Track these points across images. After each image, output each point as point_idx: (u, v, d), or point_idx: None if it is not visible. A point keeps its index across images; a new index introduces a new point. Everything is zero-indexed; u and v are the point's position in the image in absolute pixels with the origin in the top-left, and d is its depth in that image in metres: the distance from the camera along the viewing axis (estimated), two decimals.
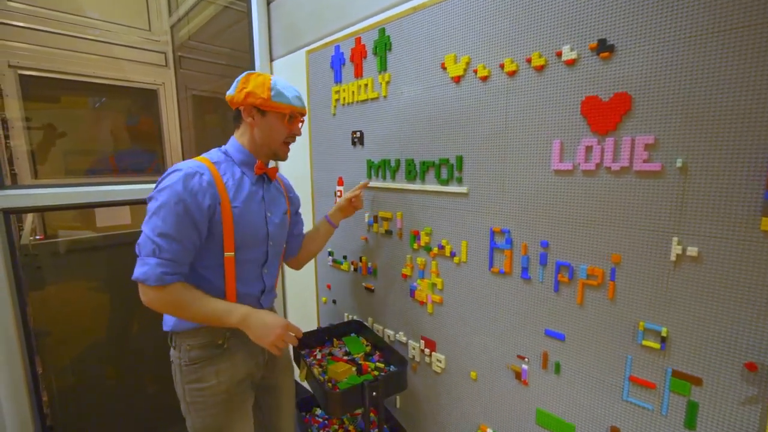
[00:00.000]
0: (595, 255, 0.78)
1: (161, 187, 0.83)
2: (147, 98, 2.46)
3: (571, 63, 0.77)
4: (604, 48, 0.72)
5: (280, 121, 0.96)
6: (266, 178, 1.02)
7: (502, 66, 0.88)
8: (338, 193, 1.42)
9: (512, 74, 0.86)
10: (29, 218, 1.87)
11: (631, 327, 0.75)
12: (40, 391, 1.35)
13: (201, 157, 0.93)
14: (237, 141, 0.98)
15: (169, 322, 0.95)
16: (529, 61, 0.83)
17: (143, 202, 0.87)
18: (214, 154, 0.96)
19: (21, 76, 2.03)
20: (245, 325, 0.87)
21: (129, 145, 2.42)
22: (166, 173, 0.86)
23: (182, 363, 0.93)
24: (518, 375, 0.95)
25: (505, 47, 0.87)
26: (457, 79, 0.97)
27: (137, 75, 2.38)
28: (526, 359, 0.93)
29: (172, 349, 0.96)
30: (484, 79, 0.92)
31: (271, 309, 1.10)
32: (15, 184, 1.82)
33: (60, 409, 1.53)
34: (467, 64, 0.95)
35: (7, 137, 1.98)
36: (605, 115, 0.73)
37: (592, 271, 0.79)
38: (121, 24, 2.29)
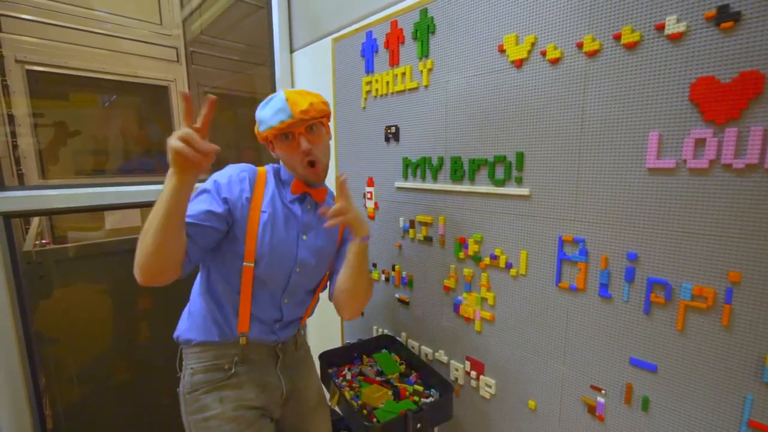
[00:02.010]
0: (704, 272, 0.64)
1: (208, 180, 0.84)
2: (158, 95, 2.36)
3: (677, 37, 0.63)
4: (725, 16, 0.58)
5: (280, 146, 0.85)
6: (309, 200, 0.92)
7: (579, 45, 0.74)
8: (368, 195, 1.29)
9: (593, 54, 0.73)
10: (35, 220, 1.77)
11: (754, 360, 0.61)
12: (42, 407, 1.24)
13: (261, 166, 0.92)
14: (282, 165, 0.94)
15: (179, 326, 0.88)
16: (617, 37, 0.69)
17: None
18: (270, 166, 0.93)
19: (28, 71, 1.94)
20: (172, 172, 0.66)
21: (140, 146, 2.32)
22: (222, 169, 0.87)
23: (185, 391, 0.84)
24: (592, 408, 0.81)
25: (585, 22, 0.73)
26: (519, 63, 0.84)
27: (148, 71, 2.28)
28: (603, 391, 0.79)
29: (179, 373, 0.87)
30: (555, 61, 0.78)
31: (294, 341, 0.97)
32: (20, 185, 1.72)
33: (65, 424, 1.42)
34: (532, 45, 0.81)
35: (14, 135, 1.88)
36: (726, 100, 0.59)
37: (699, 292, 0.65)
38: (132, 18, 2.19)
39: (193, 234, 0.75)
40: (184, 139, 0.62)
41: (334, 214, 0.81)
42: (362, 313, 1.03)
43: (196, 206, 0.78)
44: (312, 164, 0.86)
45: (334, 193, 0.92)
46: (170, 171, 0.66)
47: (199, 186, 0.80)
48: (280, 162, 0.92)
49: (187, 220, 0.73)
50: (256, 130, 0.89)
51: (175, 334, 0.89)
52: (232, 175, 0.84)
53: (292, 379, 0.94)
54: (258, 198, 0.84)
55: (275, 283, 0.87)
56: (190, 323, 0.87)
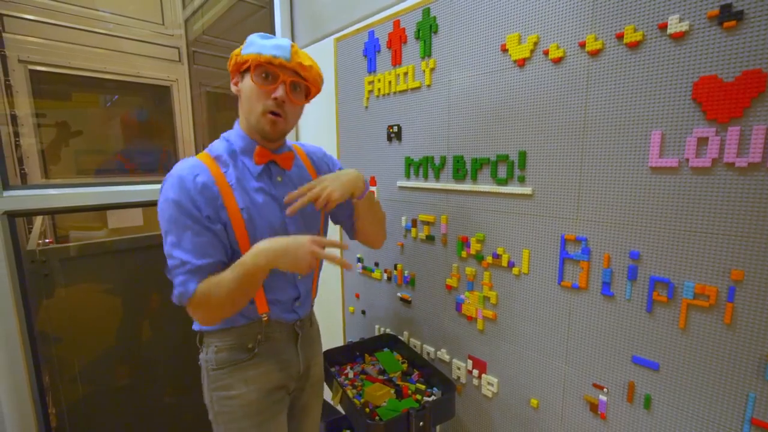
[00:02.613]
0: (707, 270, 0.64)
1: (161, 203, 0.74)
2: (160, 95, 2.36)
3: (679, 36, 0.63)
4: (728, 16, 0.59)
5: (255, 80, 0.74)
6: (276, 170, 0.83)
7: (582, 44, 0.74)
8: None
9: (596, 54, 0.73)
10: (38, 219, 1.78)
11: (756, 358, 0.61)
12: (46, 405, 1.25)
13: (202, 153, 0.79)
14: (237, 123, 0.82)
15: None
16: (620, 37, 0.69)
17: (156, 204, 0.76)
18: (216, 144, 0.81)
19: (31, 71, 1.94)
20: (273, 260, 0.71)
21: (140, 142, 2.32)
22: (164, 180, 0.75)
23: (209, 366, 0.84)
24: (594, 407, 0.81)
25: (587, 22, 0.73)
26: (522, 62, 0.84)
27: (150, 71, 2.29)
28: (605, 389, 0.79)
29: (200, 351, 0.87)
30: (557, 60, 0.78)
31: (309, 318, 0.96)
32: (23, 185, 1.73)
33: (69, 422, 1.42)
34: (535, 44, 0.81)
35: (17, 135, 1.89)
36: (728, 99, 0.59)
37: (701, 290, 0.65)
38: (134, 18, 2.20)
39: (212, 253, 0.74)
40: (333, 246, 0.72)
41: (308, 200, 0.77)
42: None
43: (198, 247, 0.72)
44: (274, 114, 0.76)
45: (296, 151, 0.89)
46: (273, 258, 0.71)
47: (165, 214, 0.72)
48: (237, 119, 0.82)
49: (209, 260, 0.73)
50: (236, 51, 0.76)
51: (196, 327, 0.85)
52: (188, 191, 0.72)
53: (307, 356, 0.94)
54: (229, 198, 0.76)
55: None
56: None
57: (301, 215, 0.84)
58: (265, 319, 0.84)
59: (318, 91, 0.83)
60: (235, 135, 0.81)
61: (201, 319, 0.76)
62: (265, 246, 0.72)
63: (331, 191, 0.78)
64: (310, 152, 0.94)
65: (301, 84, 0.78)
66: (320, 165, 0.94)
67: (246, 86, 0.76)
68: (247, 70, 0.75)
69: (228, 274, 0.72)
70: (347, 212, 0.96)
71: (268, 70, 0.74)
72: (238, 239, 0.77)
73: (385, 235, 1.03)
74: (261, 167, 0.80)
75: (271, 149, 0.81)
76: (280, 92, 0.74)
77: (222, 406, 0.84)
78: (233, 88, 0.80)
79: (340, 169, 0.94)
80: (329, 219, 1.00)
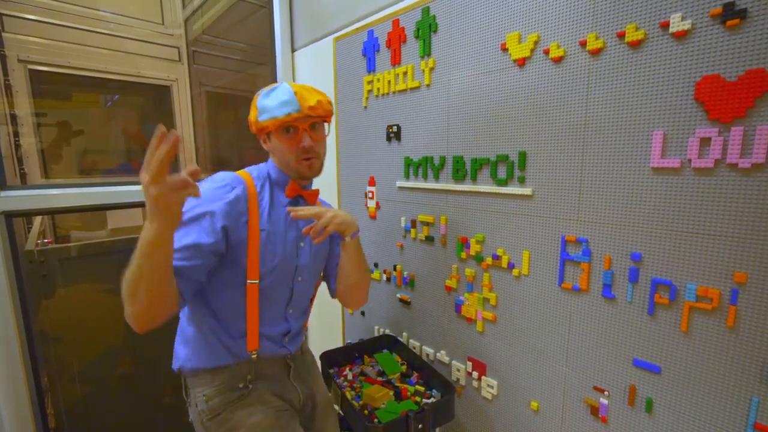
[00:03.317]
0: (709, 272, 0.63)
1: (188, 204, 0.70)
2: (160, 95, 2.36)
3: (681, 35, 0.62)
4: (731, 14, 0.58)
5: (280, 139, 0.81)
6: (303, 203, 0.89)
7: (583, 43, 0.73)
8: (369, 194, 1.28)
9: (596, 53, 0.72)
10: (37, 219, 1.78)
11: (760, 362, 0.60)
12: (44, 405, 1.24)
13: (242, 170, 0.86)
14: (271, 159, 0.89)
15: (178, 356, 0.84)
16: (621, 35, 0.68)
17: None
18: (256, 168, 0.88)
19: (31, 71, 1.94)
20: (148, 216, 0.58)
21: (146, 145, 2.32)
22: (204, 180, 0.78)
23: (204, 418, 0.80)
24: (595, 410, 0.80)
25: (588, 21, 0.73)
26: (522, 62, 0.83)
27: (150, 70, 2.28)
28: (606, 392, 0.78)
29: (188, 406, 0.84)
30: (558, 60, 0.77)
31: (300, 348, 0.95)
32: (22, 185, 1.73)
33: (68, 423, 1.42)
34: (535, 43, 0.80)
35: (16, 135, 1.89)
36: (731, 99, 0.58)
37: (704, 293, 0.64)
38: (134, 17, 2.20)
39: (182, 273, 0.70)
40: (155, 177, 0.53)
41: (317, 231, 0.80)
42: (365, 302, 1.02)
43: (181, 240, 0.71)
44: (308, 159, 0.83)
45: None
46: (148, 218, 0.58)
47: (186, 208, 0.71)
48: (270, 157, 0.88)
49: (174, 262, 0.67)
50: (252, 118, 0.83)
51: (175, 366, 0.83)
52: (223, 196, 0.76)
53: (306, 385, 0.94)
54: (254, 217, 0.79)
55: (280, 295, 0.85)
56: (189, 351, 0.82)
57: (316, 247, 0.89)
58: (255, 356, 0.82)
59: (331, 115, 0.87)
60: (270, 167, 0.88)
61: (134, 323, 0.66)
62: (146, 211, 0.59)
63: (333, 216, 0.82)
64: (322, 201, 0.98)
65: (318, 121, 0.83)
66: (323, 204, 0.98)
67: (275, 145, 0.84)
68: (270, 132, 0.82)
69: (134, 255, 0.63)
70: (333, 261, 0.97)
71: (285, 127, 0.80)
72: (249, 255, 0.78)
73: (366, 297, 0.99)
74: (289, 200, 0.86)
75: (302, 185, 0.88)
76: (306, 141, 0.81)
77: None
78: (265, 146, 0.87)
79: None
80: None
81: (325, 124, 0.87)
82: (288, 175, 0.86)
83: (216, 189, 0.77)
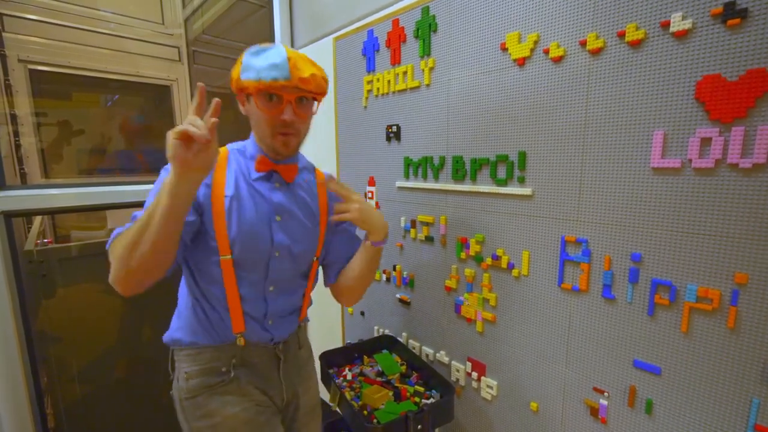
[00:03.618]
0: (710, 273, 0.63)
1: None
2: (160, 94, 2.36)
3: (682, 35, 0.62)
4: (732, 13, 0.57)
5: (260, 105, 0.72)
6: (277, 177, 0.81)
7: (583, 43, 0.73)
8: (369, 195, 1.28)
9: (596, 52, 0.72)
10: (37, 219, 1.78)
11: (760, 363, 0.60)
12: (43, 405, 1.24)
13: (225, 146, 0.82)
14: (252, 131, 0.82)
15: (170, 327, 0.83)
16: (621, 35, 0.68)
17: None
18: (238, 143, 0.84)
19: (31, 71, 1.94)
20: (171, 182, 0.60)
21: (146, 142, 2.32)
22: None
23: (182, 396, 0.79)
24: (594, 411, 0.80)
25: (588, 20, 0.72)
26: (522, 62, 0.83)
27: (150, 70, 2.29)
28: (606, 393, 0.78)
29: (171, 375, 0.83)
30: (558, 60, 0.77)
31: (297, 340, 0.91)
32: (21, 185, 1.73)
33: (67, 423, 1.42)
34: (535, 43, 0.80)
35: (17, 134, 1.89)
36: (732, 99, 0.58)
37: (704, 293, 0.64)
38: (134, 17, 2.20)
39: None
40: (190, 125, 0.57)
41: (338, 211, 0.80)
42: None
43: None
44: (285, 134, 0.75)
45: (306, 167, 0.89)
46: (171, 171, 0.59)
47: (157, 179, 0.73)
48: (251, 123, 0.80)
49: None
50: (234, 74, 0.74)
51: (165, 336, 0.83)
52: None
53: (293, 384, 0.90)
54: (219, 180, 0.75)
55: (255, 270, 0.79)
56: (180, 322, 0.81)
57: (296, 225, 0.82)
58: (242, 341, 0.79)
59: (324, 94, 0.79)
60: (249, 141, 0.83)
61: (111, 274, 0.66)
62: (168, 178, 0.62)
63: (360, 209, 0.79)
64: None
65: (307, 95, 0.75)
66: (332, 194, 0.90)
67: (253, 110, 0.75)
68: (251, 94, 0.73)
69: (137, 220, 0.65)
70: (344, 253, 0.91)
71: (271, 93, 0.72)
72: (215, 221, 0.74)
73: (361, 297, 0.94)
74: (261, 174, 0.80)
75: (275, 160, 0.80)
76: (287, 115, 0.72)
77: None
78: (242, 109, 0.80)
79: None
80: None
81: (315, 102, 0.78)
82: (260, 149, 0.80)
83: None
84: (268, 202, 0.80)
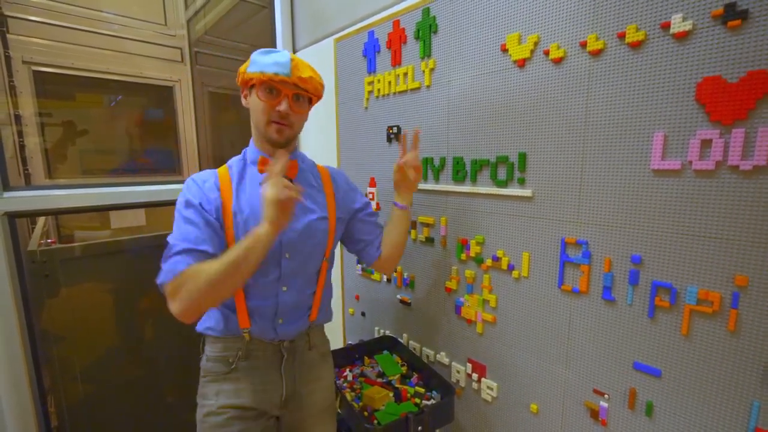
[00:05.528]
0: (710, 276, 0.63)
1: (176, 203, 0.81)
2: (163, 95, 2.37)
3: (682, 36, 0.62)
4: (732, 15, 0.57)
5: (260, 95, 0.80)
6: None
7: (583, 44, 0.73)
8: (370, 195, 1.28)
9: (597, 54, 0.71)
10: (41, 220, 1.79)
11: (761, 366, 0.60)
12: (46, 404, 1.25)
13: (222, 165, 0.88)
14: (252, 139, 0.88)
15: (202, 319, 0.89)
16: (621, 36, 0.68)
17: (161, 204, 0.78)
18: (234, 158, 0.89)
19: (35, 72, 1.96)
20: (264, 219, 0.72)
21: (149, 142, 2.34)
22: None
23: (201, 374, 0.88)
24: (594, 413, 0.80)
25: (588, 21, 0.72)
26: (522, 63, 0.83)
27: (153, 71, 2.30)
28: (606, 395, 0.78)
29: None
30: (558, 61, 0.77)
31: (307, 341, 0.92)
32: (26, 186, 1.74)
33: (70, 421, 1.43)
34: (535, 44, 0.80)
35: (20, 135, 1.90)
36: (733, 101, 0.58)
37: (704, 296, 0.63)
38: (137, 18, 2.21)
39: (205, 240, 0.77)
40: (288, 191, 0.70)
41: (407, 166, 0.92)
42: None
43: (188, 233, 0.75)
44: (279, 124, 0.81)
45: (309, 166, 0.94)
46: (268, 230, 0.71)
47: (176, 208, 0.80)
48: (250, 114, 0.86)
49: (207, 248, 0.75)
50: (242, 68, 0.82)
51: (198, 327, 0.89)
52: (198, 187, 0.81)
53: (295, 381, 0.90)
54: (227, 200, 0.82)
55: (267, 272, 0.83)
56: (209, 313, 0.88)
57: (305, 226, 0.85)
58: (246, 336, 0.84)
59: (319, 98, 0.87)
60: (249, 149, 0.88)
61: (179, 307, 0.71)
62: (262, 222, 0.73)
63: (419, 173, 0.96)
64: (334, 174, 0.97)
65: (303, 94, 0.82)
66: (341, 184, 0.96)
67: (253, 101, 0.82)
68: (254, 86, 0.81)
69: (224, 255, 0.72)
70: (375, 228, 0.99)
71: (271, 86, 0.79)
72: (226, 236, 0.81)
73: (398, 263, 1.04)
74: (264, 175, 0.82)
75: (271, 156, 0.84)
76: (283, 106, 0.80)
77: (198, 414, 0.86)
78: (243, 102, 0.86)
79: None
80: (345, 246, 1.01)
81: (309, 103, 0.86)
82: (260, 150, 0.86)
83: (191, 183, 0.83)
84: None
